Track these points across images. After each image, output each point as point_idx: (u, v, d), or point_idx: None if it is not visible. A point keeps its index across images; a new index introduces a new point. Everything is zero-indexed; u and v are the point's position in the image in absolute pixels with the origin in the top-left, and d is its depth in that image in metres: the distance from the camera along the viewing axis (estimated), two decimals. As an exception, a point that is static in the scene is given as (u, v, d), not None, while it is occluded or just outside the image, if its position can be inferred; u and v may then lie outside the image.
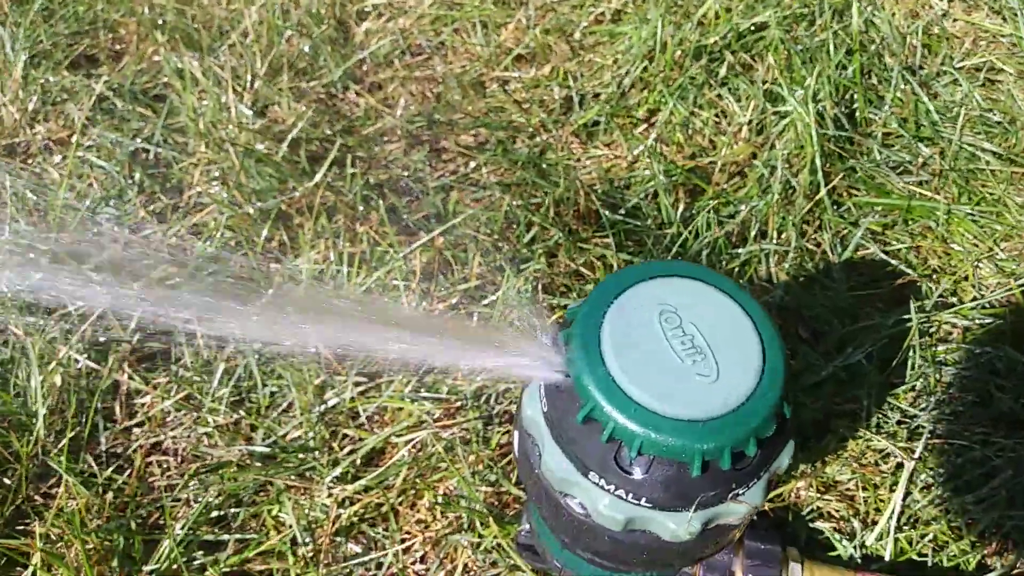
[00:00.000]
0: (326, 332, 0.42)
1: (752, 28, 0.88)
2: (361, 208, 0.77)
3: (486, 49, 0.92)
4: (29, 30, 0.95)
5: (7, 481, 0.62)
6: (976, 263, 0.71)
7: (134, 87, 0.91)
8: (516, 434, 0.45)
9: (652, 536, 0.42)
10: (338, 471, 0.62)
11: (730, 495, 0.40)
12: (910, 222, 0.74)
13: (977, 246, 0.72)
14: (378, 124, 0.86)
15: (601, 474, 0.40)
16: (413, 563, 0.60)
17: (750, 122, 0.81)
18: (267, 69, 0.90)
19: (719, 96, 0.83)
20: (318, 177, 0.77)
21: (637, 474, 0.39)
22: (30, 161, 0.85)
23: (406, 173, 0.82)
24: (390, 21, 0.97)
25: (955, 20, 0.93)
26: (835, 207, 0.75)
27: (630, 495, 0.40)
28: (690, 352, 0.38)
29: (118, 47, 0.98)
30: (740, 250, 0.71)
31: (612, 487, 0.40)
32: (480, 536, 0.58)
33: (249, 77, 0.89)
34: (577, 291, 0.69)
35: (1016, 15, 0.91)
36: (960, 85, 0.84)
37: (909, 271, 0.70)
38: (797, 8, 0.89)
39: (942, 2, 0.94)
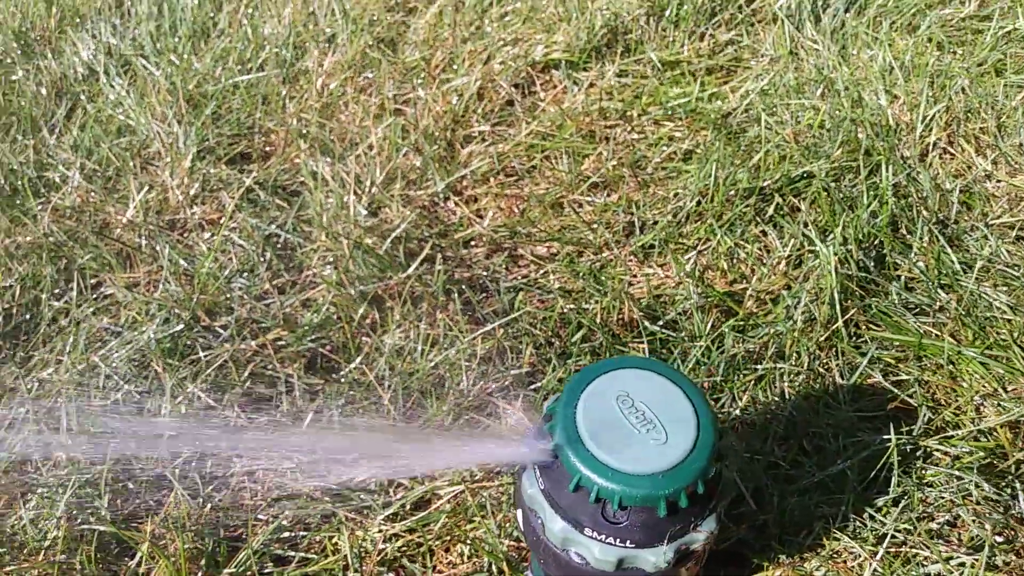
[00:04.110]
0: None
1: (802, 175, 1.00)
2: (442, 298, 0.91)
3: (568, 175, 1.07)
4: (200, 130, 1.17)
5: (131, 486, 0.77)
6: (980, 401, 0.78)
7: (276, 183, 1.11)
8: (519, 512, 0.57)
9: (638, 571, 0.53)
10: (389, 511, 0.74)
11: (692, 527, 0.51)
12: (923, 358, 0.82)
13: (985, 386, 0.80)
14: (468, 231, 1.02)
15: (593, 528, 0.52)
16: (441, 597, 0.71)
17: (788, 256, 0.92)
18: (384, 178, 1.08)
19: (763, 232, 0.95)
20: (411, 270, 0.92)
21: (621, 523, 0.51)
22: (185, 235, 1.04)
23: (485, 273, 0.96)
24: (491, 146, 1.14)
25: (998, 181, 1.02)
26: (854, 338, 0.84)
27: (617, 540, 0.52)
28: (643, 423, 0.50)
29: (268, 149, 1.19)
30: (758, 366, 0.81)
31: (603, 536, 0.52)
32: (497, 578, 0.69)
33: (368, 183, 1.06)
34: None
35: (1056, 182, 0.99)
36: (989, 240, 0.92)
37: (911, 400, 0.78)
38: (844, 161, 1.00)
39: (987, 163, 1.03)
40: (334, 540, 0.74)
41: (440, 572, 0.71)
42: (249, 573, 0.72)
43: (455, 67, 1.26)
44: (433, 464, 0.58)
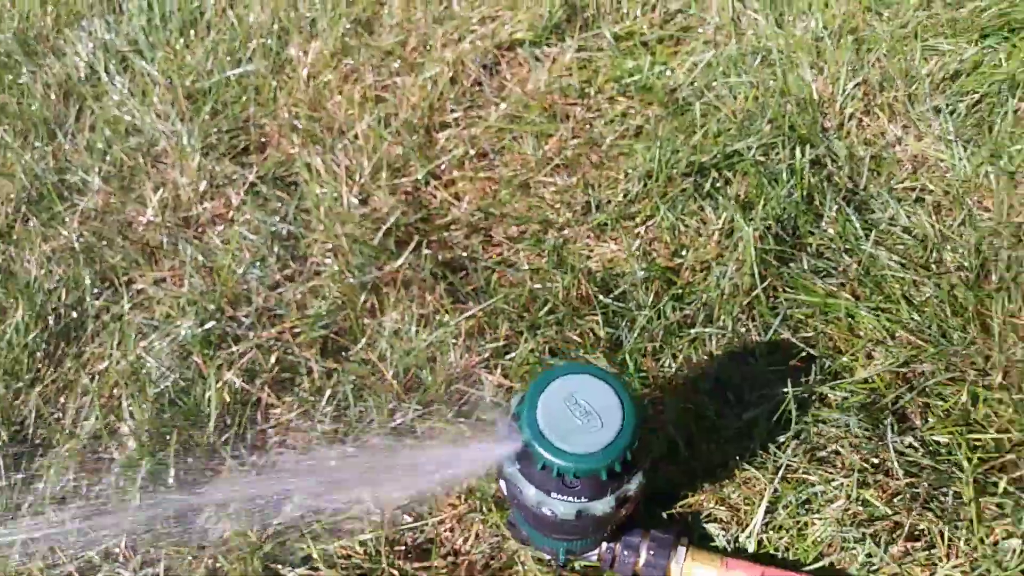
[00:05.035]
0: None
1: (736, 151, 1.15)
2: (430, 281, 1.07)
3: (534, 156, 1.22)
4: (202, 127, 1.30)
5: (189, 460, 0.95)
6: (871, 347, 0.96)
7: (275, 175, 1.25)
8: (503, 482, 0.76)
9: (592, 515, 0.73)
10: (399, 468, 0.93)
11: (626, 481, 0.72)
12: (827, 314, 1.00)
13: (876, 335, 0.98)
14: (448, 215, 1.17)
15: (558, 492, 0.72)
16: (444, 531, 0.90)
17: (721, 228, 1.08)
18: (371, 168, 1.22)
19: (701, 207, 1.11)
20: (401, 260, 1.08)
21: (576, 487, 0.71)
22: (200, 231, 1.20)
23: (464, 254, 1.12)
24: (465, 130, 1.28)
25: (907, 146, 1.18)
26: (772, 300, 1.01)
27: (575, 498, 0.72)
28: (585, 415, 0.69)
29: (263, 140, 1.32)
30: (691, 331, 0.98)
31: (565, 497, 0.72)
32: (487, 515, 0.88)
33: (357, 176, 1.21)
34: (573, 352, 0.98)
35: (952, 142, 1.14)
36: (891, 205, 1.08)
37: (814, 352, 0.96)
38: (771, 138, 1.15)
39: (897, 129, 1.18)
40: (356, 492, 0.93)
41: (442, 512, 0.90)
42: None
43: (428, 49, 1.38)
44: (436, 481, 0.80)
